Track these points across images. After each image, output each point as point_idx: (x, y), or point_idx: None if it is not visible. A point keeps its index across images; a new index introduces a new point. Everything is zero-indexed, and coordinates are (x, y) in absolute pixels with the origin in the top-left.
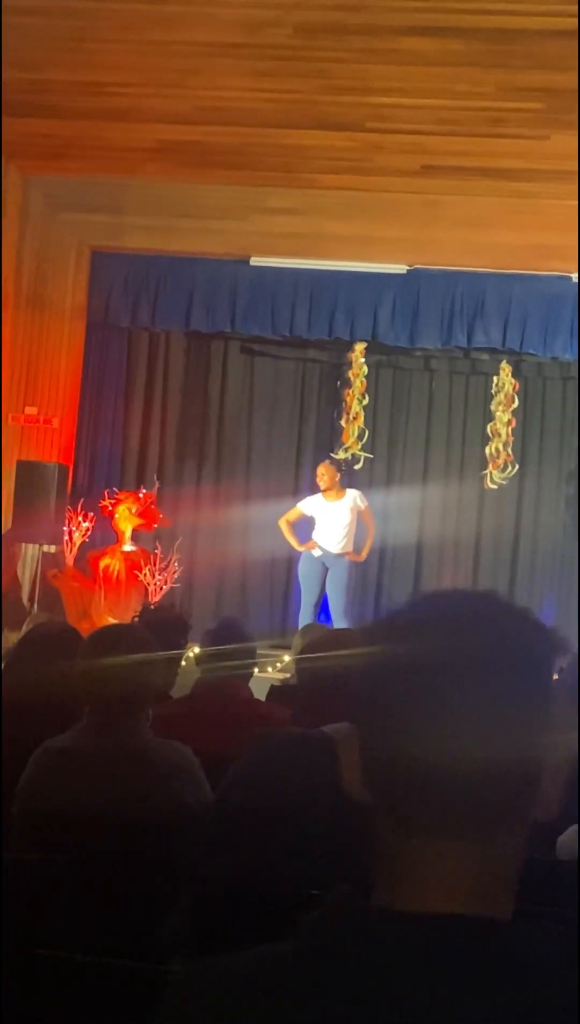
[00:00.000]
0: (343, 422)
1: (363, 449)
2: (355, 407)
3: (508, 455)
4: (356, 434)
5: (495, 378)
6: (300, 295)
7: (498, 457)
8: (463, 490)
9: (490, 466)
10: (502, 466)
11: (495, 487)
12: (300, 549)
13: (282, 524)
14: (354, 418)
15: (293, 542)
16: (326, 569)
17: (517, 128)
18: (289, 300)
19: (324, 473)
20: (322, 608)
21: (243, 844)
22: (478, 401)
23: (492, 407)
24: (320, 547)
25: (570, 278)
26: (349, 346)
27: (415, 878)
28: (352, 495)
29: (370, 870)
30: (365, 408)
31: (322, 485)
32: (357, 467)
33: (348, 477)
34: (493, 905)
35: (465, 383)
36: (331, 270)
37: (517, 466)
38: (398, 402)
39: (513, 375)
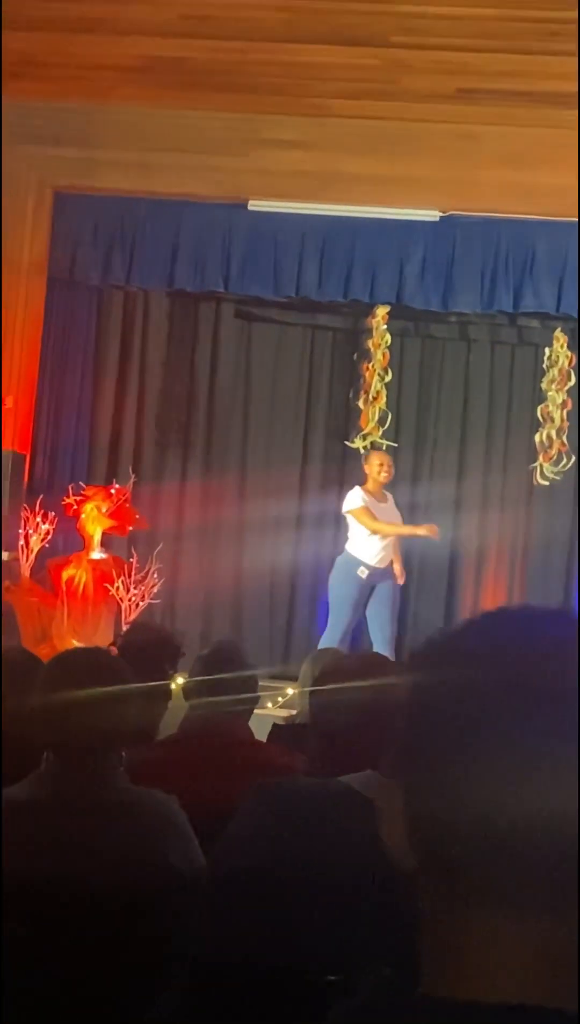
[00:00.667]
0: (361, 403)
1: (385, 436)
2: (376, 385)
3: (563, 444)
4: (377, 418)
5: (547, 350)
6: (308, 247)
7: (550, 447)
8: (507, 487)
9: (540, 457)
10: (555, 457)
11: (547, 483)
12: (419, 532)
13: (383, 526)
14: (374, 398)
15: (414, 531)
16: (371, 588)
17: (574, 43)
18: (295, 253)
19: (383, 463)
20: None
21: (244, 917)
22: (526, 378)
23: (543, 385)
24: (363, 562)
25: None
26: (369, 310)
27: (474, 961)
28: (391, 497)
29: (414, 951)
30: (387, 386)
31: (382, 478)
32: None
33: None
34: (566, 995)
35: (510, 356)
36: (347, 217)
37: (573, 457)
38: (428, 379)
39: (568, 346)
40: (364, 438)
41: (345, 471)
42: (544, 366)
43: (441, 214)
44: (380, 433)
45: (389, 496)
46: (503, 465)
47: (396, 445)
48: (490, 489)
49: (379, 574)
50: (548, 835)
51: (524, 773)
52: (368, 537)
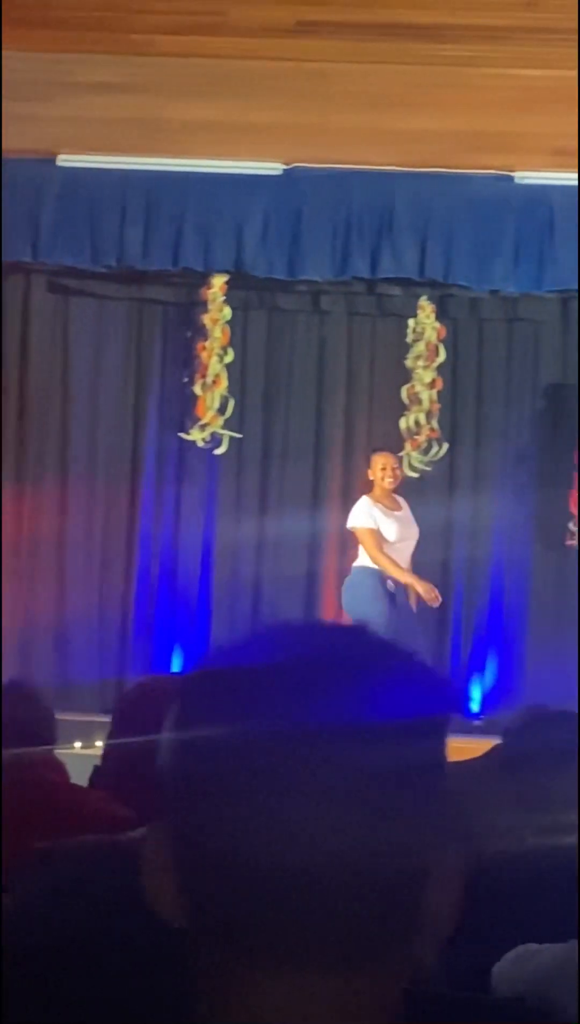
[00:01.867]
0: (198, 388)
1: (227, 426)
2: (214, 366)
3: (433, 430)
4: (216, 405)
5: (411, 321)
6: (131, 208)
7: (418, 433)
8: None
9: (408, 445)
10: (424, 445)
11: (416, 474)
12: (434, 602)
13: (383, 558)
14: (213, 382)
15: (416, 581)
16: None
17: None
18: (115, 216)
19: (387, 466)
20: None
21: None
22: (389, 355)
23: (409, 362)
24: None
25: (510, 178)
26: (203, 280)
27: (257, 1021)
28: (404, 502)
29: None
30: (228, 367)
31: (388, 484)
32: (219, 451)
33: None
34: None
35: (370, 329)
36: (175, 172)
37: (446, 445)
38: (275, 358)
39: (437, 317)
40: (203, 428)
41: (183, 468)
42: (408, 340)
43: (284, 167)
44: (221, 423)
45: (403, 503)
46: (365, 455)
47: (240, 436)
48: (351, 483)
49: (402, 591)
50: (339, 881)
51: (308, 813)
52: (389, 551)
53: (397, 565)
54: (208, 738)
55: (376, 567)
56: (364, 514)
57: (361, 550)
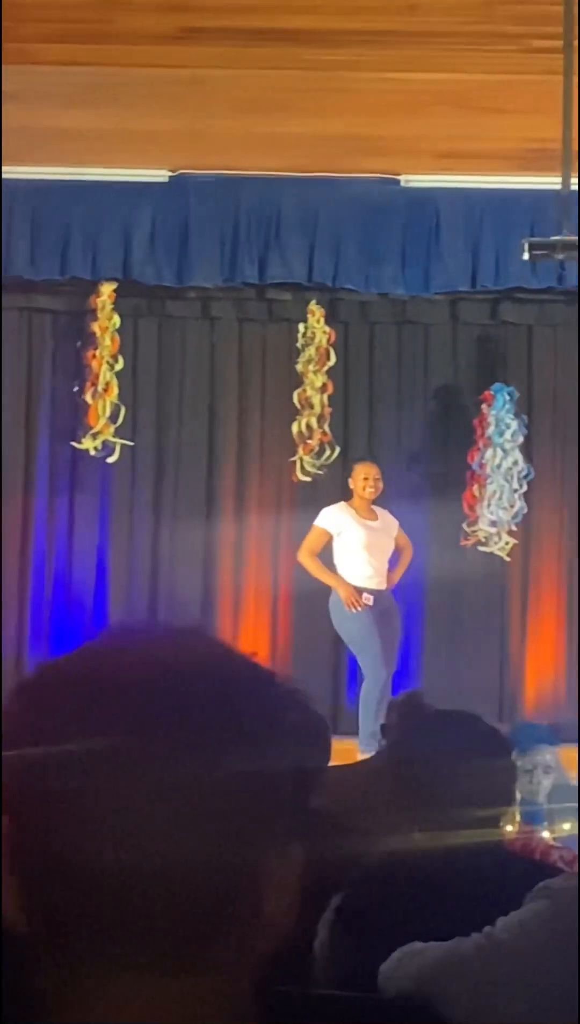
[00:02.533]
0: (88, 396)
1: (119, 434)
2: (105, 374)
3: (325, 434)
4: (107, 413)
5: (302, 326)
6: (16, 217)
7: (311, 437)
8: (264, 484)
9: (300, 450)
10: (316, 449)
11: (308, 479)
12: (354, 606)
13: (308, 558)
14: (104, 390)
15: (332, 579)
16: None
17: None
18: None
19: (369, 475)
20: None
21: None
22: (280, 359)
23: (300, 367)
24: (361, 588)
25: (396, 181)
26: (92, 288)
27: None
28: (385, 514)
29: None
30: (119, 375)
31: (369, 495)
32: (111, 459)
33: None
34: None
35: (261, 335)
36: (59, 181)
37: (338, 449)
38: (167, 365)
39: (327, 321)
40: (94, 437)
41: (75, 478)
42: (299, 345)
43: (170, 173)
44: (112, 431)
45: (381, 513)
46: (260, 460)
47: (132, 444)
48: (245, 488)
49: (385, 598)
50: (170, 888)
51: (138, 812)
52: (355, 557)
53: (320, 568)
54: (46, 739)
55: (354, 584)
56: (329, 516)
57: (335, 561)
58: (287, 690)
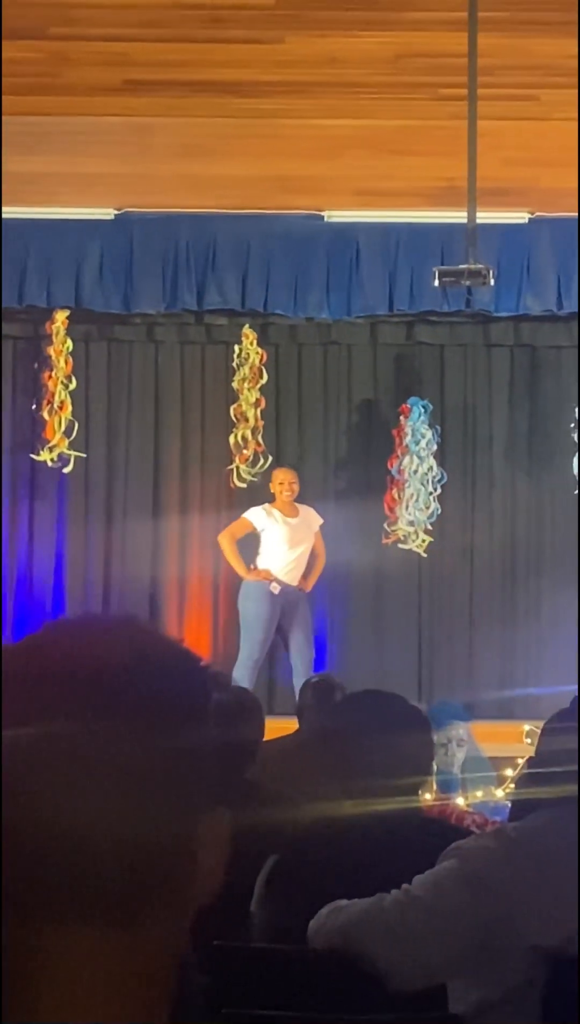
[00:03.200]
0: (45, 413)
1: (73, 447)
2: (60, 393)
3: (258, 444)
4: (63, 428)
5: (237, 347)
6: None
7: (246, 447)
8: (206, 491)
9: (237, 459)
10: (251, 458)
11: (244, 485)
12: (249, 578)
13: (226, 541)
14: (59, 407)
15: (239, 566)
16: (282, 607)
17: (242, 30)
18: None
19: (285, 480)
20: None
21: None
22: (218, 378)
23: (235, 384)
24: (276, 578)
25: (320, 216)
26: (47, 315)
27: (48, 984)
28: (308, 511)
29: None
30: (72, 394)
31: (286, 496)
32: (67, 470)
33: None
34: (159, 1010)
35: (200, 356)
36: (17, 219)
37: (270, 458)
38: (116, 384)
39: (259, 343)
40: (51, 450)
41: (34, 486)
42: (234, 364)
43: (116, 211)
44: (67, 444)
45: (303, 510)
46: (201, 468)
47: (85, 455)
48: (188, 494)
49: (293, 592)
50: (111, 849)
51: (72, 774)
52: (277, 550)
53: (233, 552)
54: None
55: (269, 585)
56: (254, 513)
57: (260, 550)
58: (211, 673)
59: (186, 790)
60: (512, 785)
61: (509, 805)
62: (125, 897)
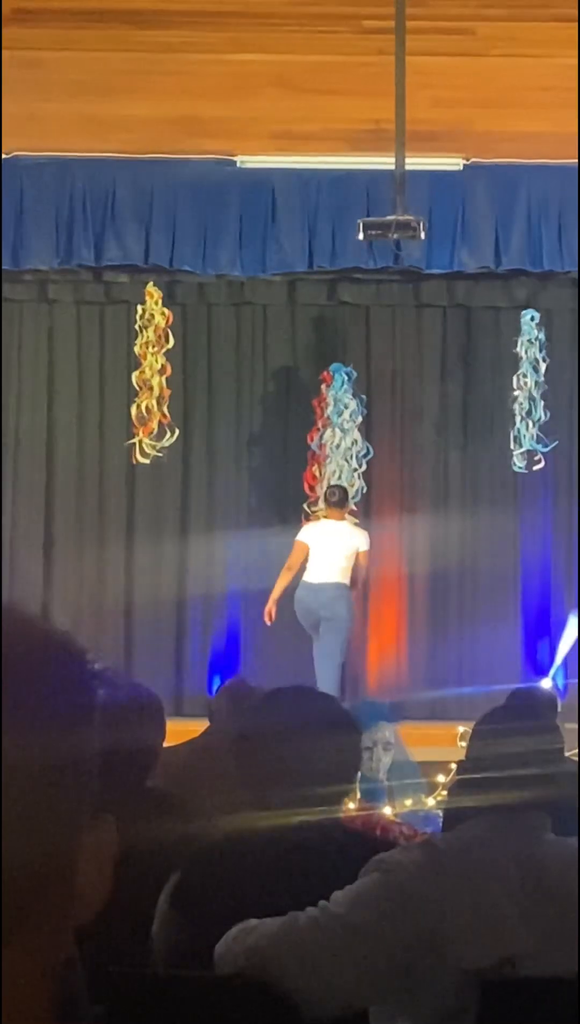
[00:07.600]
0: None
1: None
2: None
3: (164, 415)
4: None
5: (140, 307)
6: None
7: (150, 419)
8: (104, 466)
9: (140, 432)
10: (156, 431)
11: (147, 461)
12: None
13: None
14: None
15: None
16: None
17: None
18: None
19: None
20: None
21: None
22: (118, 342)
23: (138, 349)
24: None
25: (232, 162)
26: None
27: None
28: (355, 530)
29: None
30: None
31: (333, 497)
32: None
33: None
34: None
35: (99, 317)
36: None
37: (177, 431)
38: (5, 349)
39: (164, 303)
40: None
41: None
42: (137, 326)
43: (4, 156)
44: None
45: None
46: (99, 441)
47: None
48: (85, 471)
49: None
50: None
51: None
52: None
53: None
54: None
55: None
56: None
57: None
58: (98, 667)
59: (62, 795)
60: (444, 792)
61: (441, 814)
62: (3, 912)
